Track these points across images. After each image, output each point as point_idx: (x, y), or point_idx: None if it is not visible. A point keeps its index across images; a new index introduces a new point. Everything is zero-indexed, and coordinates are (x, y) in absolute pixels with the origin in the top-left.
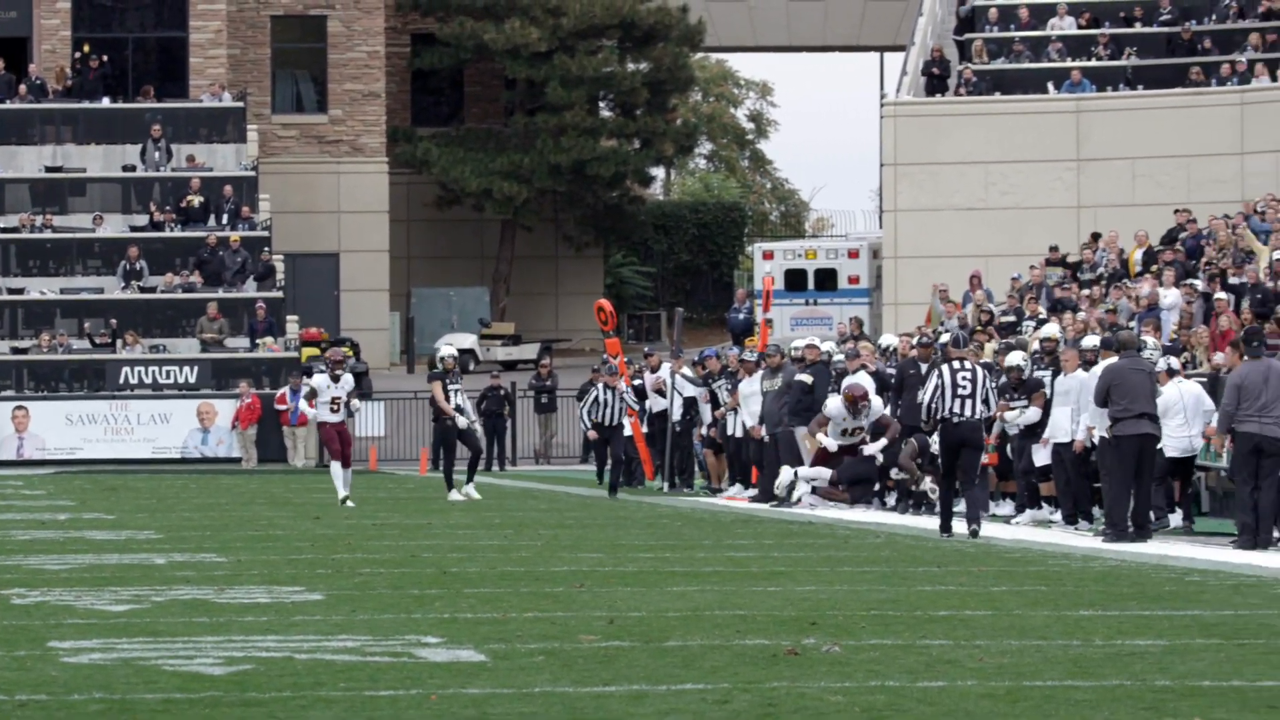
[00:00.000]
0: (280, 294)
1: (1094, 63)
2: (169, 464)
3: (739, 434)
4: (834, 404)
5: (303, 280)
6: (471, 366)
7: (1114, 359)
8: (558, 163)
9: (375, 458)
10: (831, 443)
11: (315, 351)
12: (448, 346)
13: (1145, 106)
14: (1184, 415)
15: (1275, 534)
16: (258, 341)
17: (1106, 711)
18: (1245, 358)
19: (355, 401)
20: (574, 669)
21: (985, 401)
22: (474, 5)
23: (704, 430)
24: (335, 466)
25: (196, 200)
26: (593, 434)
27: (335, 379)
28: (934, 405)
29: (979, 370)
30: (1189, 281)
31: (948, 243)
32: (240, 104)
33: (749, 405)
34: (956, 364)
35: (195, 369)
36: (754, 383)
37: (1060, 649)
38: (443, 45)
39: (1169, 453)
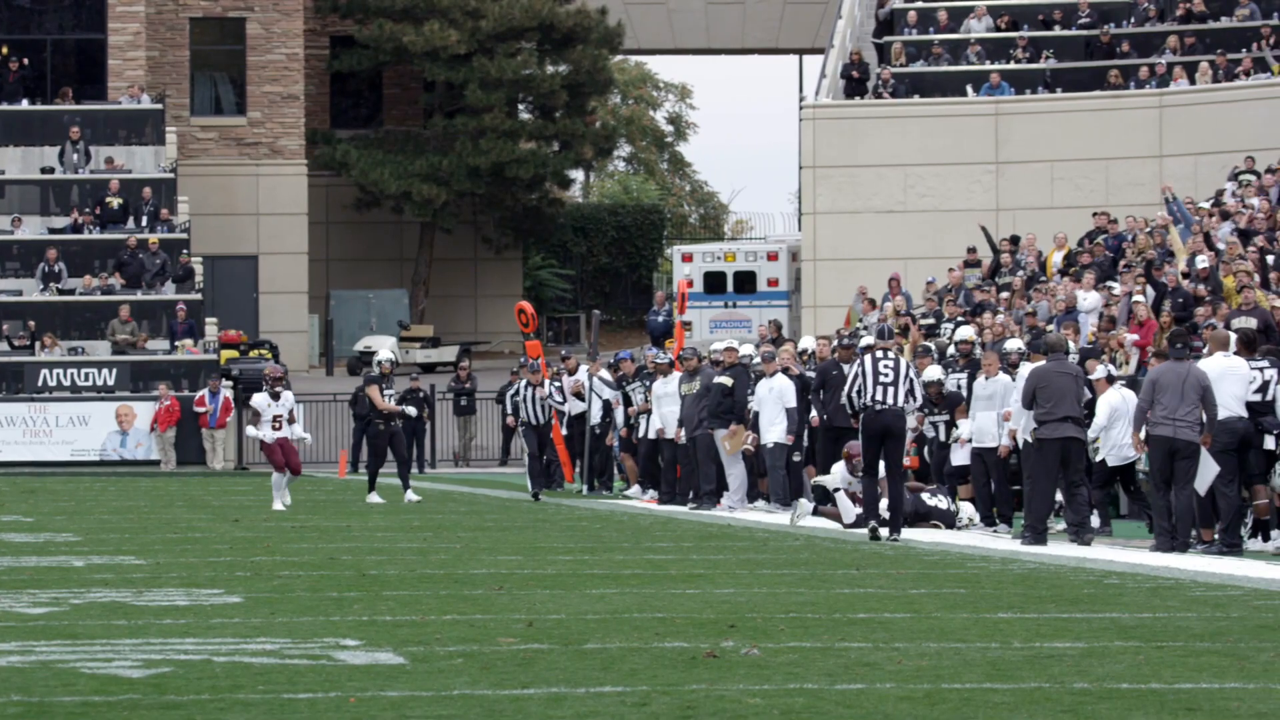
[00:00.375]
0: (199, 296)
1: (1012, 65)
2: (88, 466)
3: (651, 435)
4: (838, 469)
5: (221, 282)
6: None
7: (1041, 362)
8: (477, 165)
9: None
10: (850, 512)
11: (234, 354)
12: (385, 350)
13: (1064, 109)
14: (1127, 419)
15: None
16: (176, 344)
17: (1025, 714)
18: (1170, 358)
19: (298, 428)
20: (493, 671)
21: (910, 393)
22: (393, 8)
23: (619, 433)
24: (276, 477)
25: (115, 202)
26: (511, 420)
27: (275, 396)
28: (854, 394)
29: (901, 360)
30: (1107, 284)
31: (867, 245)
32: (159, 106)
33: (662, 406)
34: (879, 354)
35: (114, 371)
36: (668, 384)
37: (979, 651)
38: (361, 48)
39: (1111, 462)
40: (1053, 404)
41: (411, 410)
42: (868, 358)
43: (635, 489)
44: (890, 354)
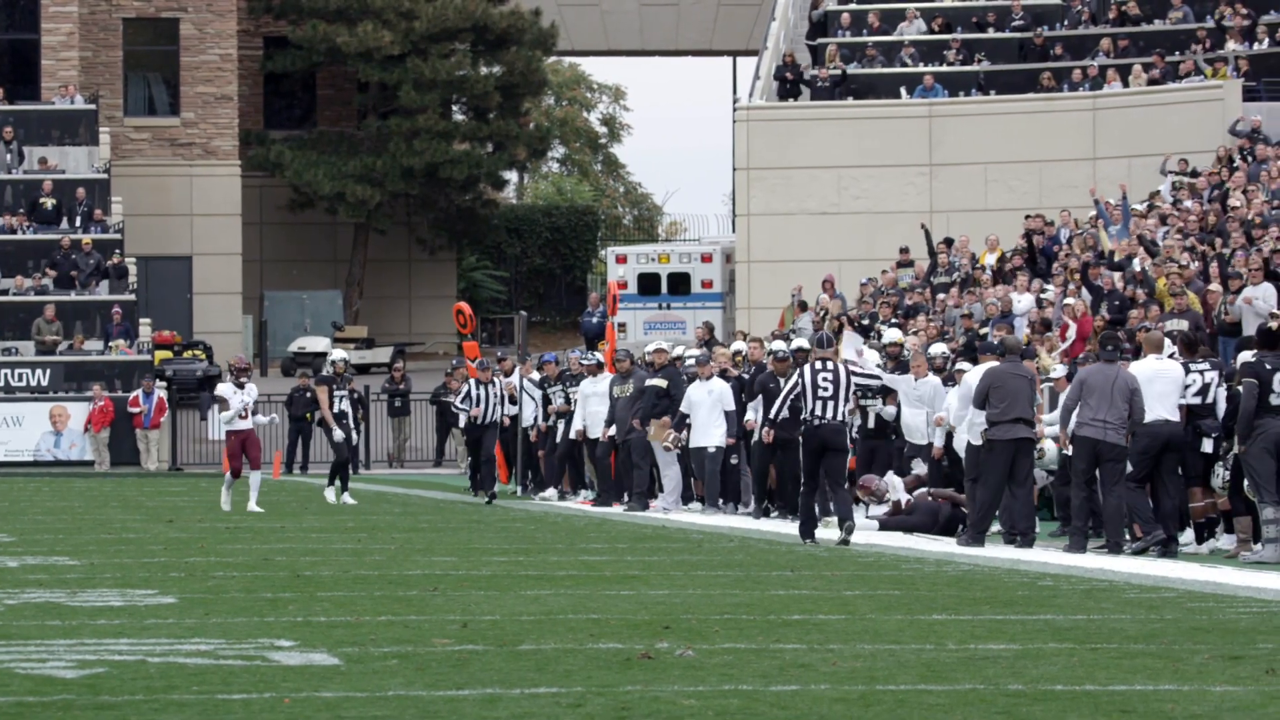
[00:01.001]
0: (133, 297)
1: (946, 68)
2: (21, 467)
3: (572, 436)
4: (892, 479)
5: (155, 283)
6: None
7: (995, 363)
8: (410, 166)
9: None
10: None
11: (168, 354)
12: (339, 350)
13: (997, 111)
14: None
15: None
16: (110, 344)
17: (959, 715)
18: (1101, 360)
19: (259, 416)
20: (428, 673)
21: (872, 390)
22: (326, 8)
23: (540, 431)
24: (229, 478)
25: (49, 203)
26: (476, 411)
27: (240, 386)
28: (787, 405)
29: (841, 370)
30: (1040, 285)
31: (801, 247)
32: (92, 106)
33: (589, 405)
34: (818, 364)
35: (48, 372)
36: (597, 383)
37: (913, 653)
38: (295, 48)
39: None
40: (1006, 404)
41: (338, 434)
42: (807, 368)
43: (551, 491)
44: (830, 364)
